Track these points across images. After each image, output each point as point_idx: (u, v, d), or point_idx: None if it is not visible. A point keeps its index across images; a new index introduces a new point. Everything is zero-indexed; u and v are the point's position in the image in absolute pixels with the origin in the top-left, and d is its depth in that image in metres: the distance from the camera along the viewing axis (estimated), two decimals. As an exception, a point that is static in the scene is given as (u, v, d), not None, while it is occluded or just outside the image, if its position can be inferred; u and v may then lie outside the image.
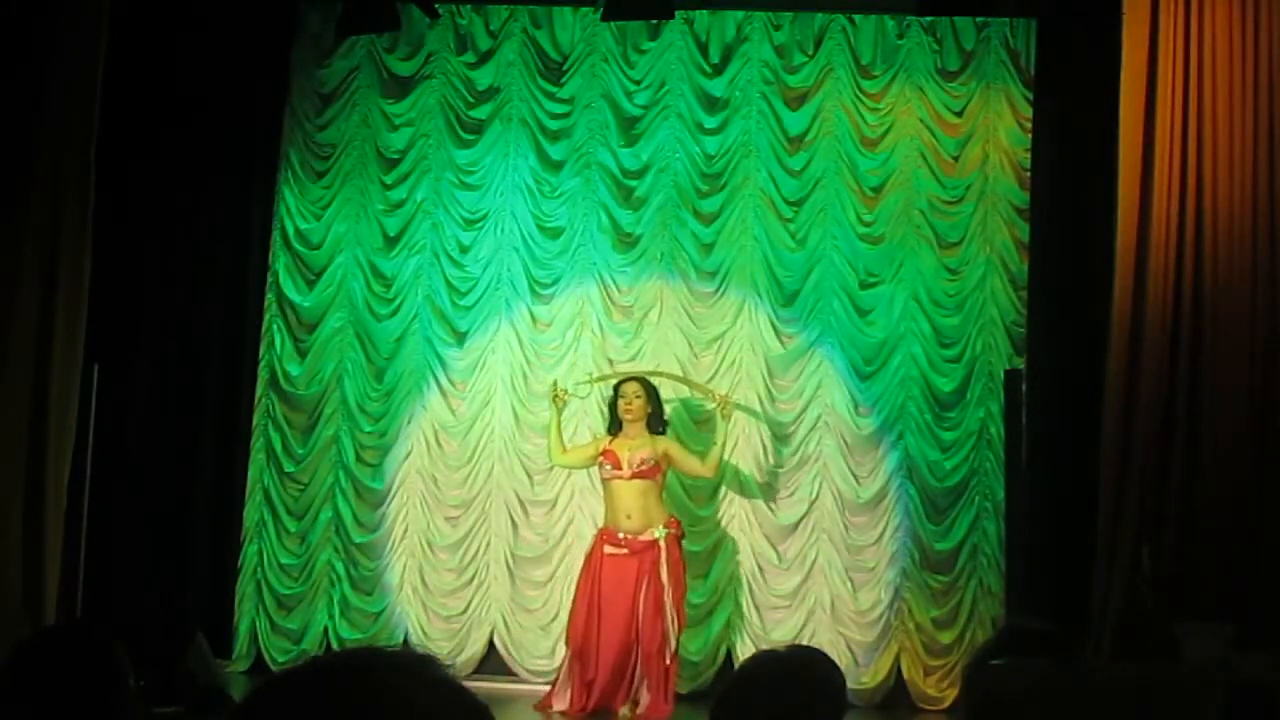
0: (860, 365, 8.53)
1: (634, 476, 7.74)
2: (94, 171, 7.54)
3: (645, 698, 7.56)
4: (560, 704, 7.67)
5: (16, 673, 2.56)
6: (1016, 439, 7.43)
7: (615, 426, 7.95)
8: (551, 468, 8.48)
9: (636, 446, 7.79)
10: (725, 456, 8.31)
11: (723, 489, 8.53)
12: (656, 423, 7.94)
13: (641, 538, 7.67)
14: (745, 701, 2.54)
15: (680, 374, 8.53)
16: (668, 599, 7.58)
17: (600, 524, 7.95)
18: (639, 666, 7.59)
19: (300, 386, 8.84)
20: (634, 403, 7.87)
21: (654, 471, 7.78)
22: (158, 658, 6.76)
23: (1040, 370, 8.03)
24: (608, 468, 7.80)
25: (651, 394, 7.96)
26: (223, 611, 8.55)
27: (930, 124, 8.63)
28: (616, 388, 8.02)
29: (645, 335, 8.66)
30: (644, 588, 7.59)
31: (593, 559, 7.78)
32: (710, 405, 8.32)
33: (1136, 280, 7.37)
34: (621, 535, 7.70)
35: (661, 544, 7.65)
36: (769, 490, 8.50)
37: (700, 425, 8.53)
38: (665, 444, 7.92)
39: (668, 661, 7.57)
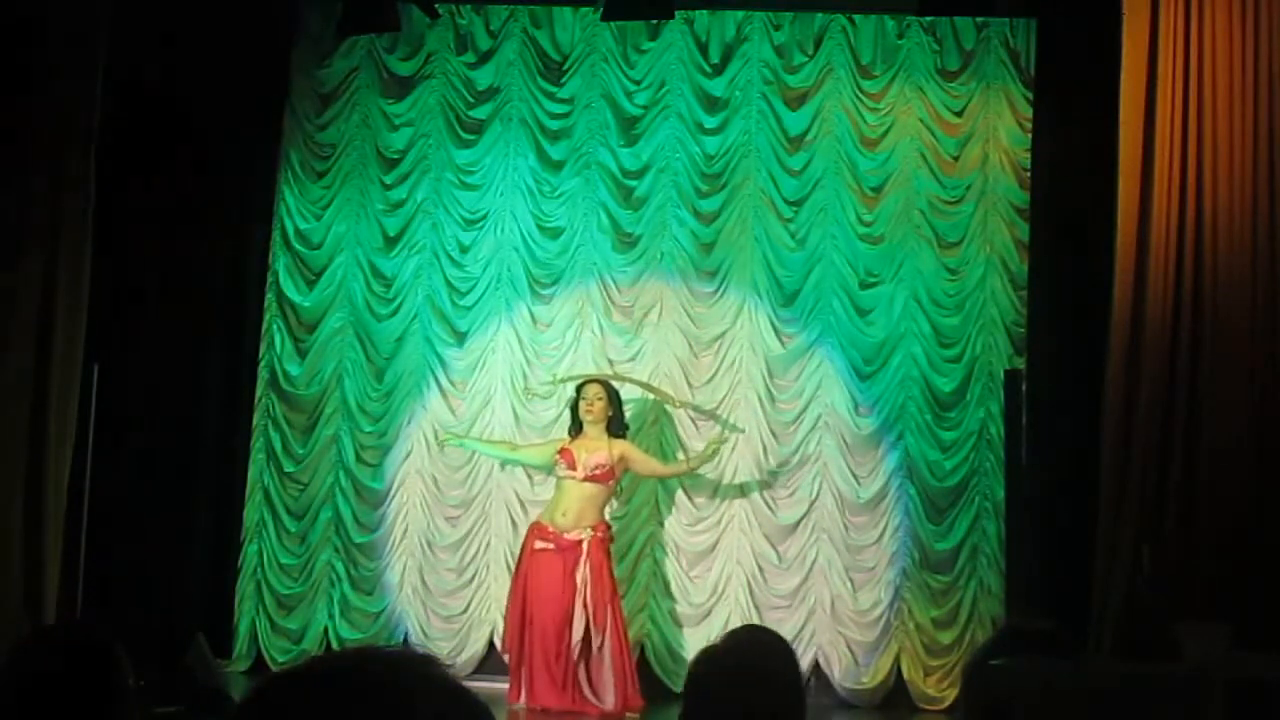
0: (860, 365, 8.53)
1: (586, 479, 7.78)
2: (94, 171, 7.54)
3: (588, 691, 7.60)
4: (518, 697, 7.67)
5: (16, 673, 2.56)
6: (1016, 439, 7.42)
7: (576, 428, 7.97)
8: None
9: (593, 449, 7.82)
10: (726, 456, 8.35)
11: (723, 488, 8.53)
12: (616, 426, 7.95)
13: (568, 536, 7.70)
14: (705, 708, 2.58)
15: (681, 374, 8.55)
16: (580, 603, 7.58)
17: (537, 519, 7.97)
18: (567, 662, 7.58)
19: (300, 386, 8.85)
20: (595, 404, 7.90)
21: (607, 476, 7.81)
22: (158, 658, 6.77)
23: (1040, 370, 8.02)
24: (563, 466, 7.84)
25: (613, 396, 7.99)
26: (223, 611, 8.55)
27: (930, 124, 8.63)
28: (579, 388, 8.04)
29: (645, 335, 8.66)
30: (564, 587, 7.60)
31: (524, 553, 7.82)
32: (671, 408, 8.43)
33: (1136, 280, 7.36)
34: (550, 530, 7.73)
35: (585, 545, 7.67)
36: (769, 487, 8.51)
37: (698, 427, 8.55)
38: (622, 447, 7.94)
39: (575, 658, 7.55)
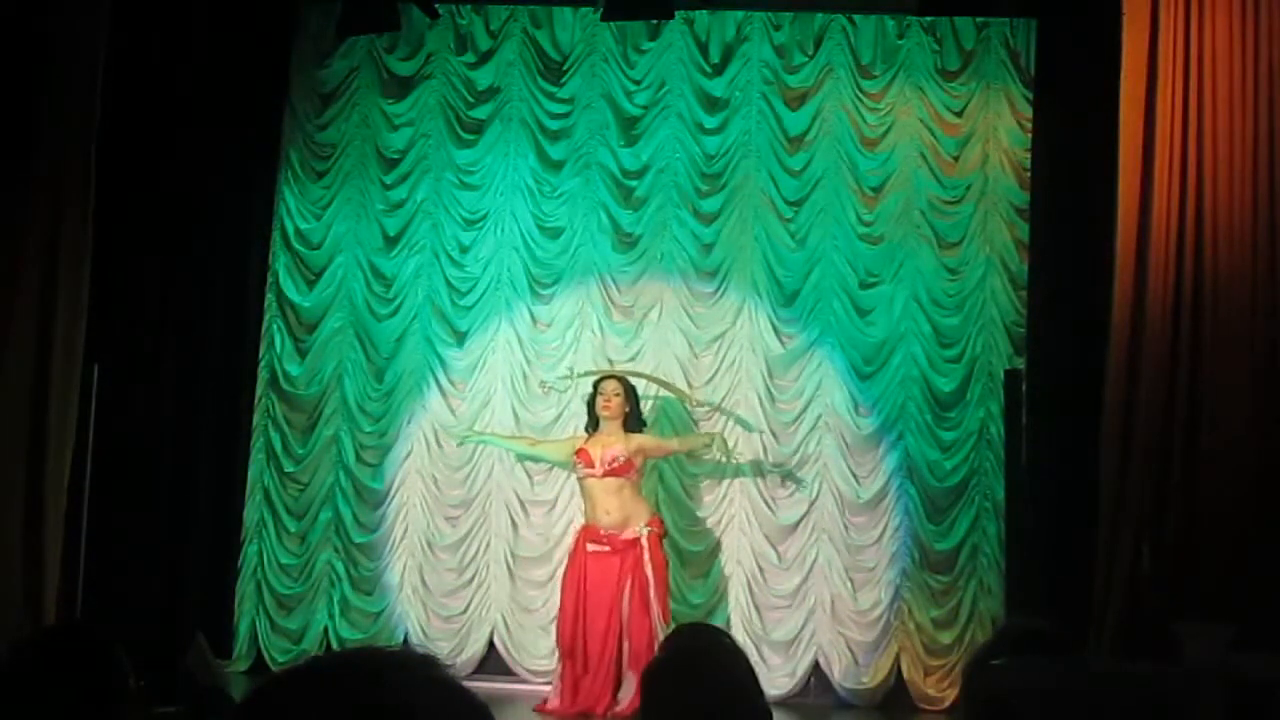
0: (860, 365, 8.53)
1: (606, 474, 7.78)
2: (94, 171, 7.53)
3: (629, 694, 7.57)
4: (554, 703, 7.70)
5: (16, 673, 2.56)
6: (1016, 439, 7.42)
7: (593, 425, 7.97)
8: (551, 467, 8.48)
9: (609, 444, 7.82)
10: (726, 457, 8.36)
11: (723, 487, 8.54)
12: (634, 422, 7.95)
13: (623, 535, 7.71)
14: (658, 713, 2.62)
15: (681, 374, 8.55)
16: (653, 595, 7.60)
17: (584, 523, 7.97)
18: (626, 664, 7.59)
19: (300, 386, 8.85)
20: (612, 400, 7.90)
21: (626, 468, 7.80)
22: (158, 658, 6.76)
23: (1040, 370, 8.02)
24: (580, 467, 7.85)
25: (630, 393, 7.99)
26: (223, 611, 8.55)
27: (930, 124, 8.63)
28: (596, 385, 8.05)
29: (645, 335, 8.67)
30: (628, 585, 7.62)
31: (576, 557, 7.82)
32: (689, 406, 8.41)
33: (1136, 280, 7.36)
34: (602, 532, 7.73)
35: (644, 542, 7.68)
36: (769, 485, 8.51)
37: (700, 424, 8.55)
38: (639, 440, 7.94)
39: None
